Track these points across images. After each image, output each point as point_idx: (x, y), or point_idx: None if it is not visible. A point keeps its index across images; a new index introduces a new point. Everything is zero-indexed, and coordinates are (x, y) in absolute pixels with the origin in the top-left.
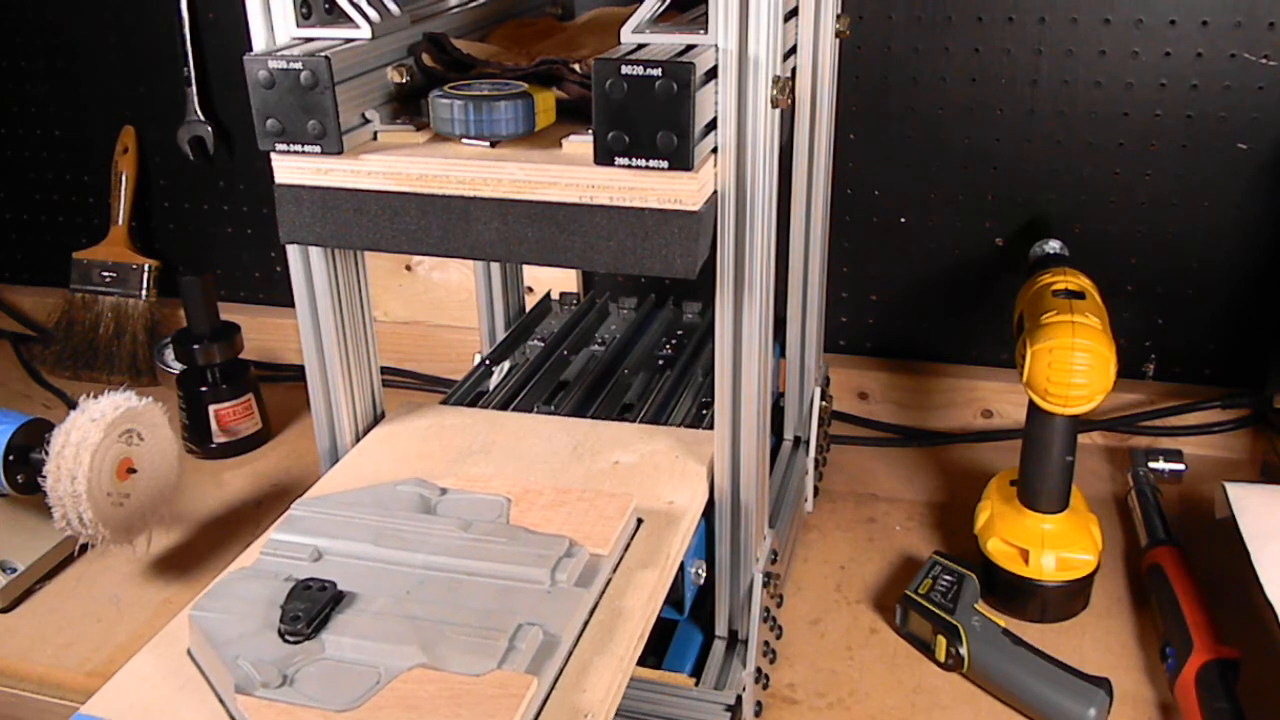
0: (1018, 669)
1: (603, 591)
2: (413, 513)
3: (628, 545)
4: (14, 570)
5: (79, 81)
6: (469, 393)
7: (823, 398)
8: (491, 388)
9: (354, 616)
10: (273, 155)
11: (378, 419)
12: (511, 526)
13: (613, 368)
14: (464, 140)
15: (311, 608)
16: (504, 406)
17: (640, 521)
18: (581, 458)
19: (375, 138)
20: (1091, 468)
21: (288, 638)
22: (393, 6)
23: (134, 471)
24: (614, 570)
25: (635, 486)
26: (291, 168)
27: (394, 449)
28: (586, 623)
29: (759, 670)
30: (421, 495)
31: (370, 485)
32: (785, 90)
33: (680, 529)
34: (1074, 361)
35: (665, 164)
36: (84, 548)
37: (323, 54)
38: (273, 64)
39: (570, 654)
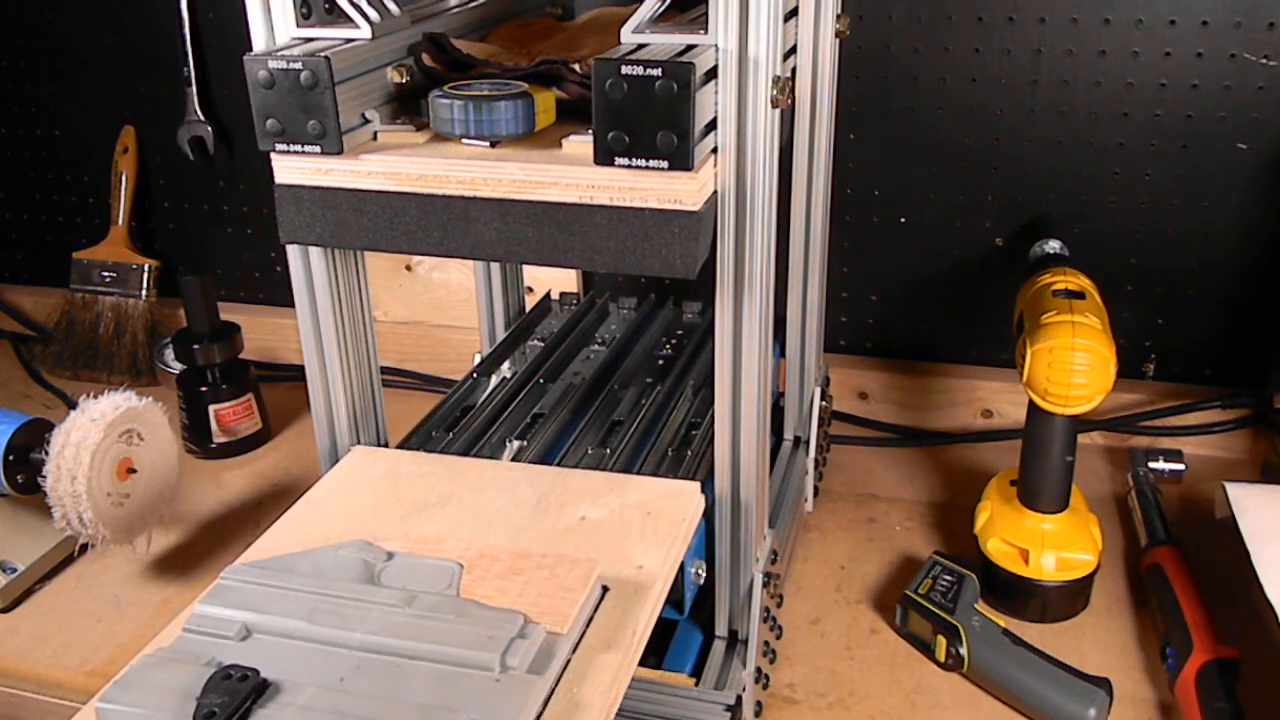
0: (1018, 669)
1: (559, 678)
2: (354, 582)
3: (590, 619)
4: (14, 570)
5: (79, 81)
6: (459, 403)
7: (823, 398)
8: (483, 399)
9: (277, 711)
10: (273, 155)
11: (378, 419)
12: (461, 600)
13: (611, 369)
14: (464, 140)
15: (230, 702)
16: (493, 420)
17: (605, 589)
18: (545, 512)
19: (375, 138)
20: (1091, 468)
21: None
22: (393, 6)
23: (134, 471)
24: (573, 650)
25: (602, 548)
26: (291, 168)
27: (343, 500)
28: (540, 716)
29: (759, 670)
30: (365, 561)
31: (312, 547)
32: (785, 90)
33: (649, 600)
34: (1074, 361)
35: (665, 164)
36: (84, 548)
37: (323, 54)
38: (273, 64)
39: None
